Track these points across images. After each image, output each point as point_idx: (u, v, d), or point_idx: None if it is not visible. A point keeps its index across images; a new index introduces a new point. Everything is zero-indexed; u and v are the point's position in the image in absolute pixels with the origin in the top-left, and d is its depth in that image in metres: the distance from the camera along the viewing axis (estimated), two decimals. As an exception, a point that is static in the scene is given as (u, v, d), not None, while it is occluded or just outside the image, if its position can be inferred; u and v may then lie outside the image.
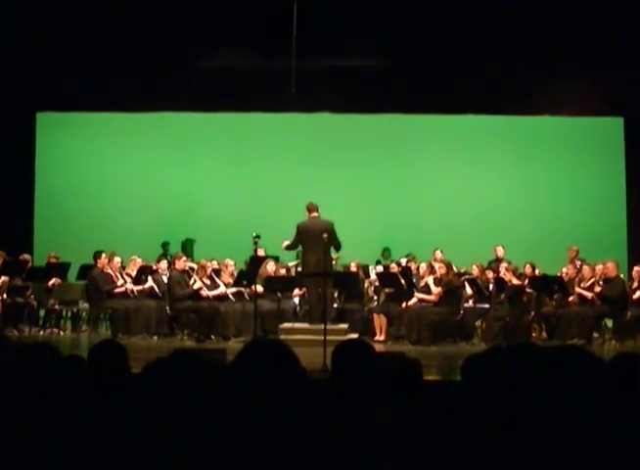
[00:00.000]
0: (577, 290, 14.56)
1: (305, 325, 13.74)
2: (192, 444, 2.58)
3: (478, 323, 15.09)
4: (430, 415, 3.36)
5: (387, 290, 15.06)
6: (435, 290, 14.61)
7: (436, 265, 15.10)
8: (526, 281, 14.68)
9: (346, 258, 15.91)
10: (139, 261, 15.90)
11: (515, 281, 14.60)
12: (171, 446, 2.59)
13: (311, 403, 2.76)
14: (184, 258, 15.32)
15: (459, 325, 14.61)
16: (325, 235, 12.75)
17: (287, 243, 14.24)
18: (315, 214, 13.88)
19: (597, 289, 14.41)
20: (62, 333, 15.35)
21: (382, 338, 14.49)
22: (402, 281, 14.73)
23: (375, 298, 15.68)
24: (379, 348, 12.65)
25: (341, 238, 13.93)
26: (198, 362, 3.37)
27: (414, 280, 15.15)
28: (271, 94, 17.09)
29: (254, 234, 12.82)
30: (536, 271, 15.15)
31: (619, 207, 18.92)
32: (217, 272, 15.24)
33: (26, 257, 16.29)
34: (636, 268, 14.74)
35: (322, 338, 10.69)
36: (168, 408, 3.17)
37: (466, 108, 18.12)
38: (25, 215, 19.13)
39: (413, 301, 14.72)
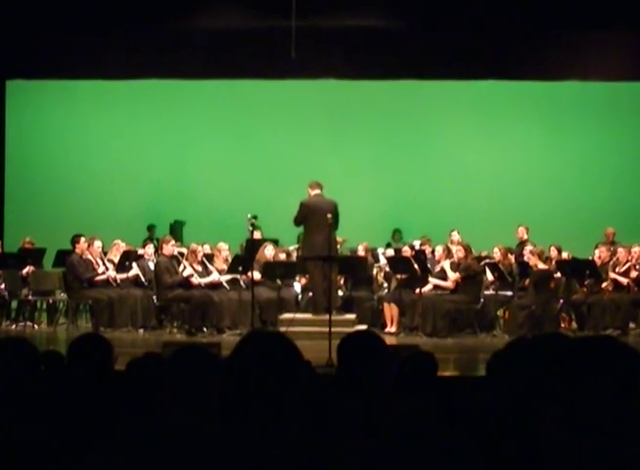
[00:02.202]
0: (611, 275, 14.54)
1: (308, 316, 13.75)
2: (185, 447, 2.59)
3: (500, 312, 15.10)
4: (445, 415, 3.37)
5: (398, 276, 15.07)
6: (453, 276, 14.62)
7: (454, 248, 15.10)
8: (554, 265, 14.68)
9: (354, 240, 15.91)
10: (122, 246, 15.90)
11: (541, 265, 14.59)
12: (163, 451, 2.61)
13: (316, 402, 2.77)
14: (172, 242, 15.31)
15: (479, 315, 14.62)
16: (329, 215, 12.75)
17: None
18: (318, 192, 13.87)
19: (633, 274, 14.40)
20: (37, 327, 15.37)
21: (393, 329, 14.51)
22: (416, 266, 14.72)
23: (385, 285, 15.69)
24: (389, 340, 12.66)
25: (347, 218, 13.93)
26: (191, 358, 3.39)
27: (429, 265, 15.15)
28: (269, 59, 17.08)
29: (250, 215, 12.82)
30: (563, 254, 15.15)
31: (658, 181, 18.94)
32: (210, 257, 15.24)
33: (-4, 242, 16.32)
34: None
35: (327, 330, 10.72)
36: (157, 409, 3.19)
37: (485, 72, 18.09)
38: (-5, 195, 19.16)
39: (428, 288, 14.73)
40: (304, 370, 2.78)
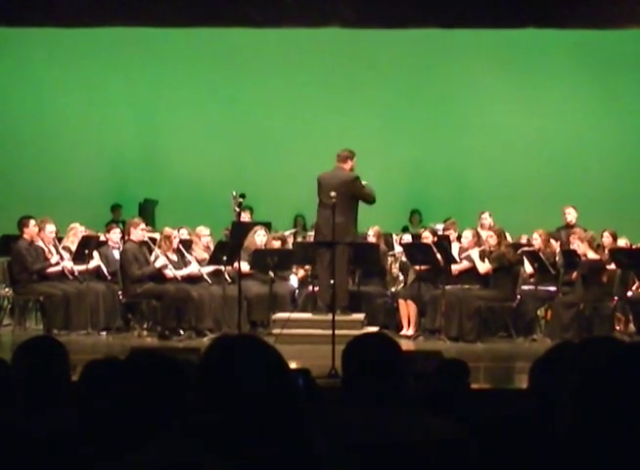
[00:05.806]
0: (677, 267, 14.59)
1: (308, 315, 13.80)
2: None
3: (540, 312, 15.11)
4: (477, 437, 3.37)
5: (417, 267, 15.07)
6: (483, 267, 14.60)
7: (484, 234, 15.09)
8: (607, 255, 14.67)
9: (363, 223, 15.88)
10: (81, 230, 15.90)
11: (591, 255, 14.60)
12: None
13: (307, 427, 2.70)
14: (142, 226, 15.33)
15: (515, 314, 14.63)
16: (333, 193, 12.67)
17: None
18: (338, 165, 13.80)
19: (703, 266, 14.45)
20: (-24, 328, 15.46)
21: (410, 332, 14.53)
22: (438, 255, 14.72)
23: (401, 278, 15.71)
24: (406, 345, 12.69)
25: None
26: (161, 366, 3.38)
27: (454, 254, 15.14)
28: (260, 2, 17.04)
29: (237, 192, 12.82)
30: (618, 242, 15.14)
31: None
32: (187, 245, 15.26)
33: None
34: None
35: (330, 332, 10.78)
36: (121, 426, 3.19)
37: (525, 19, 18.02)
38: None
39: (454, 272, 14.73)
40: (290, 383, 2.69)
